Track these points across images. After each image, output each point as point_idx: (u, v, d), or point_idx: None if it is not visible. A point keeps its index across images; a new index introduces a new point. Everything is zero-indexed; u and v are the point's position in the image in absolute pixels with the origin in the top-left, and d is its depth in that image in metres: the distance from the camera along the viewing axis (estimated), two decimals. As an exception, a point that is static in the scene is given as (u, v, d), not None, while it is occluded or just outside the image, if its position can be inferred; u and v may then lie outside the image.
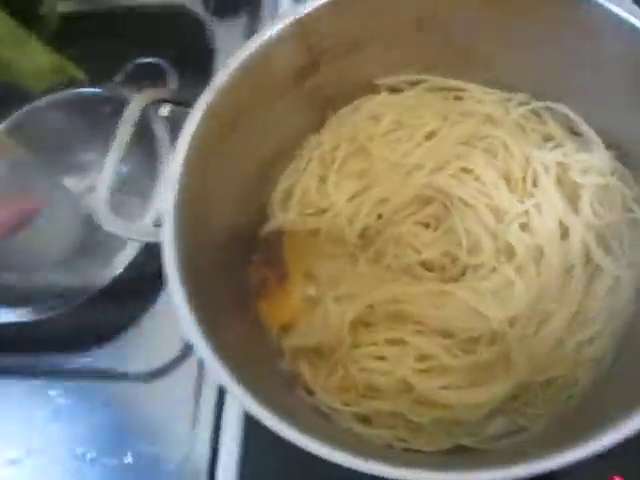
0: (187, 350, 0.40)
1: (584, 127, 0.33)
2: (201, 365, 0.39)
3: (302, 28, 0.32)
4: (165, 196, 0.28)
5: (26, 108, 0.59)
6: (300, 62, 0.34)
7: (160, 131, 0.49)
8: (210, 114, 0.31)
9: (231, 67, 0.31)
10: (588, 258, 0.31)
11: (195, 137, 0.30)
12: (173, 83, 0.57)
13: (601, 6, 0.28)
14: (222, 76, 0.31)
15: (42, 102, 0.60)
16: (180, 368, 0.39)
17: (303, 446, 0.23)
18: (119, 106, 0.56)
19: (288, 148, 0.39)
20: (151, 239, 0.28)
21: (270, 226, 0.37)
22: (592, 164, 0.32)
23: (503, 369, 0.31)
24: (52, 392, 0.41)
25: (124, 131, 0.32)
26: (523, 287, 0.30)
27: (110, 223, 0.29)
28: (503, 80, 0.36)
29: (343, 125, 0.37)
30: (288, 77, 0.34)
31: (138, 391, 0.39)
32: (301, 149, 0.39)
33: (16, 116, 0.59)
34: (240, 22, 0.55)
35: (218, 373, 0.25)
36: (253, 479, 0.36)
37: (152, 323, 0.41)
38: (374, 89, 0.38)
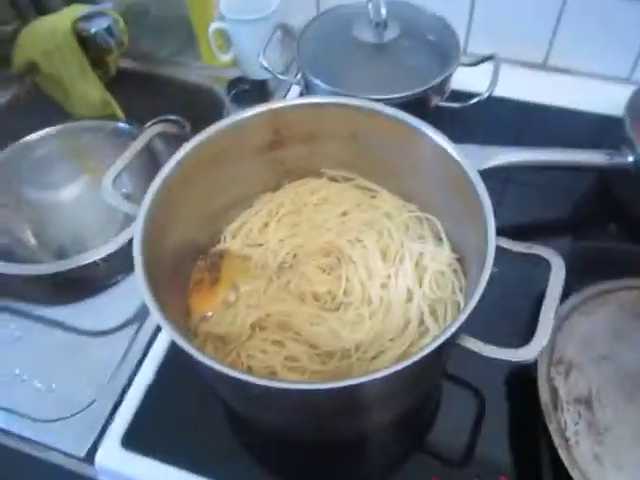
0: (129, 322, 0.50)
1: (442, 234, 0.46)
2: (134, 336, 0.49)
3: (273, 115, 0.46)
4: (142, 204, 0.40)
5: (65, 124, 0.74)
6: (269, 138, 0.48)
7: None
8: (191, 156, 0.44)
9: (216, 127, 0.45)
10: (421, 320, 0.43)
11: (176, 167, 0.43)
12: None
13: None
14: (208, 131, 0.44)
15: (81, 123, 0.74)
16: (119, 334, 0.49)
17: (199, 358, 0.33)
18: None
19: (246, 197, 0.52)
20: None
21: (220, 246, 0.49)
22: (439, 257, 0.45)
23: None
24: (12, 325, 0.50)
25: (136, 145, 0.45)
26: (370, 325, 0.42)
27: (110, 196, 0.41)
28: (403, 191, 0.50)
29: (291, 192, 0.51)
30: (261, 145, 0.48)
31: (82, 342, 0.49)
32: (257, 200, 0.52)
33: (56, 128, 0.73)
34: (250, 110, 0.71)
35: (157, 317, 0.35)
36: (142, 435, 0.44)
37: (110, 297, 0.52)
38: (320, 174, 0.52)
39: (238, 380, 0.32)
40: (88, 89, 0.71)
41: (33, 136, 0.71)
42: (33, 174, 0.68)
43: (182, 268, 0.46)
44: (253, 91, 0.72)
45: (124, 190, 0.68)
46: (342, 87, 0.55)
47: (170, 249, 0.43)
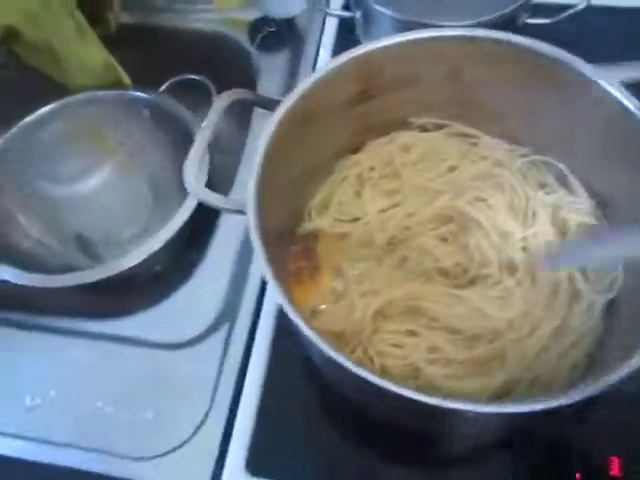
0: (214, 327, 0.42)
1: (571, 179, 0.39)
2: (227, 338, 0.41)
3: (363, 61, 0.38)
4: (249, 183, 0.32)
5: (64, 100, 0.61)
6: (355, 90, 0.39)
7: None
8: (284, 119, 0.35)
9: (307, 83, 0.36)
10: (571, 282, 0.37)
11: (271, 137, 0.34)
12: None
13: (597, 84, 0.35)
14: (301, 87, 0.35)
15: (82, 96, 0.62)
16: (206, 342, 0.41)
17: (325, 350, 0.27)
18: (159, 112, 0.60)
19: (325, 163, 0.43)
20: (233, 208, 0.32)
21: (308, 226, 0.41)
22: (578, 207, 0.38)
23: (498, 364, 0.35)
24: (76, 350, 0.42)
25: (209, 123, 0.35)
26: (521, 297, 0.35)
27: (201, 193, 0.32)
28: (510, 135, 0.42)
29: (379, 151, 0.42)
30: (344, 100, 0.39)
31: (162, 358, 0.41)
32: (337, 165, 0.43)
33: (54, 106, 0.61)
34: (282, 57, 0.60)
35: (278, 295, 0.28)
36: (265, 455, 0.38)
37: (184, 298, 0.43)
38: (407, 126, 0.43)
39: (403, 398, 0.26)
40: (87, 52, 0.59)
41: (31, 118, 0.59)
42: (44, 164, 0.57)
43: (277, 255, 0.38)
44: (282, 33, 0.61)
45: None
46: (417, 15, 0.45)
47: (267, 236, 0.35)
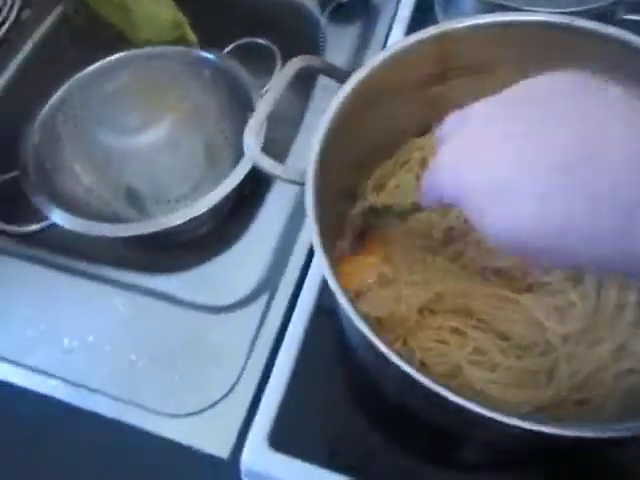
0: (253, 295, 0.41)
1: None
2: (265, 309, 0.40)
3: (443, 41, 0.35)
4: (311, 155, 0.30)
5: (129, 52, 0.61)
6: (430, 71, 0.37)
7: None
8: (352, 94, 0.33)
9: (381, 55, 0.34)
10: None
11: (338, 110, 0.33)
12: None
13: None
14: (374, 60, 0.34)
15: (147, 50, 0.62)
16: (243, 310, 0.41)
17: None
18: (219, 73, 0.59)
19: (386, 145, 0.41)
20: (289, 178, 0.31)
21: (361, 206, 0.40)
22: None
23: (547, 378, 0.33)
24: (117, 300, 0.42)
25: (276, 87, 0.34)
26: (583, 312, 0.33)
27: (259, 159, 0.31)
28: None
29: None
30: (416, 81, 0.37)
31: (198, 320, 0.41)
32: (398, 149, 0.41)
33: (119, 57, 0.61)
34: (352, 30, 0.58)
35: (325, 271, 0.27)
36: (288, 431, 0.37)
37: (226, 263, 0.43)
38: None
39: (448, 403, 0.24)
40: (158, 7, 0.58)
41: (95, 67, 0.59)
42: (104, 114, 0.57)
43: (328, 232, 0.37)
44: (355, 5, 0.59)
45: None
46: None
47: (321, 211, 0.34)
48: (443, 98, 0.39)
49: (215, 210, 0.45)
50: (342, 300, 0.27)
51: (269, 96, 0.33)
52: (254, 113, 0.33)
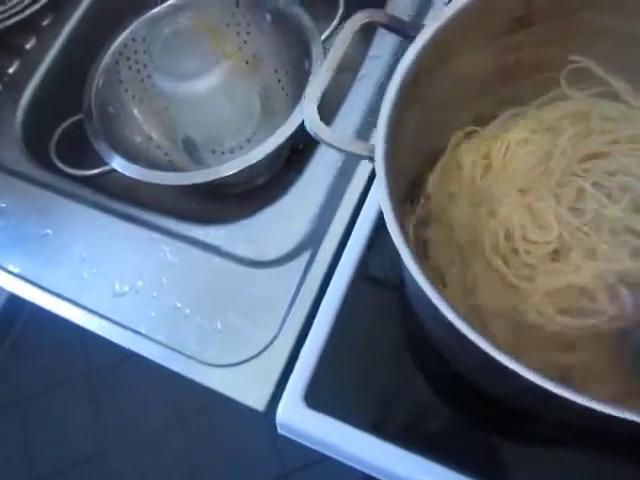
0: (297, 251, 0.40)
1: None
2: (306, 269, 0.39)
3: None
4: (379, 125, 0.27)
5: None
6: (516, 13, 0.32)
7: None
8: (424, 49, 0.29)
9: (455, 5, 0.30)
10: None
11: (409, 67, 0.29)
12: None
13: None
14: (447, 11, 0.29)
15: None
16: (286, 266, 0.40)
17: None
18: (281, 19, 0.55)
19: (459, 107, 0.37)
20: (355, 150, 0.28)
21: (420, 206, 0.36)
22: None
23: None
24: (166, 248, 0.42)
25: (339, 47, 0.30)
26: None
27: (322, 132, 0.28)
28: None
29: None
30: (498, 25, 0.32)
31: (242, 273, 0.40)
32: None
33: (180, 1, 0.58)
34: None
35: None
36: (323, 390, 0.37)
37: (271, 218, 0.42)
38: (560, 66, 0.35)
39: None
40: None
41: (157, 10, 0.58)
42: (163, 59, 0.56)
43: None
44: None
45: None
46: None
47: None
48: (521, 48, 0.34)
49: (265, 162, 0.44)
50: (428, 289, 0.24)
51: (331, 59, 0.30)
52: (313, 78, 0.30)
